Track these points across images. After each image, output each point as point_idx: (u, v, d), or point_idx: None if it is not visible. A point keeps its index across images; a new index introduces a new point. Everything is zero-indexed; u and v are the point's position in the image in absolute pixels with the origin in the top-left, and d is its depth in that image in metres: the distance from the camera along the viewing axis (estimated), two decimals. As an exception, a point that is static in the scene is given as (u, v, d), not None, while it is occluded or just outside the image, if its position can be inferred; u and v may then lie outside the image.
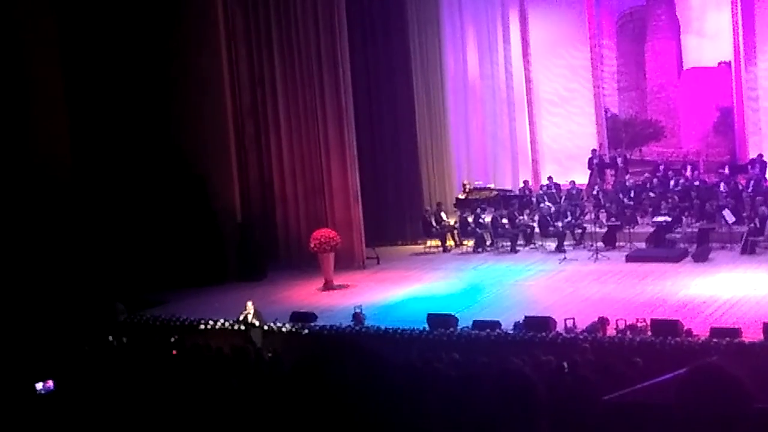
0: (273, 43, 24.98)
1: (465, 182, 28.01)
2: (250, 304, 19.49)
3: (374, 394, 3.04)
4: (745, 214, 24.03)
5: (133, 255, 23.37)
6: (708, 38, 28.18)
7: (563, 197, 26.61)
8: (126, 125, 24.05)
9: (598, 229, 24.53)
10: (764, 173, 25.82)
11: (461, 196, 27.57)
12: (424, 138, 27.79)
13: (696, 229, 23.84)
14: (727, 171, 26.46)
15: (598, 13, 29.17)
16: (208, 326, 20.19)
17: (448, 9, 29.17)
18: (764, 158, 26.18)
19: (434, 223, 26.16)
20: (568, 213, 25.35)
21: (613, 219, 24.96)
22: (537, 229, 25.44)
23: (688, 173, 26.83)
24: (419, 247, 26.27)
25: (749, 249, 22.78)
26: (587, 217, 25.68)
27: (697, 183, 25.94)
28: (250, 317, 19.30)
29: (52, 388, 10.97)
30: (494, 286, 22.06)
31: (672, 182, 26.36)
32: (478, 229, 25.66)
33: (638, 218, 25.25)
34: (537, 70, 29.69)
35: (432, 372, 11.79)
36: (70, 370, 13.73)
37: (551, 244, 24.84)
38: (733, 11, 27.30)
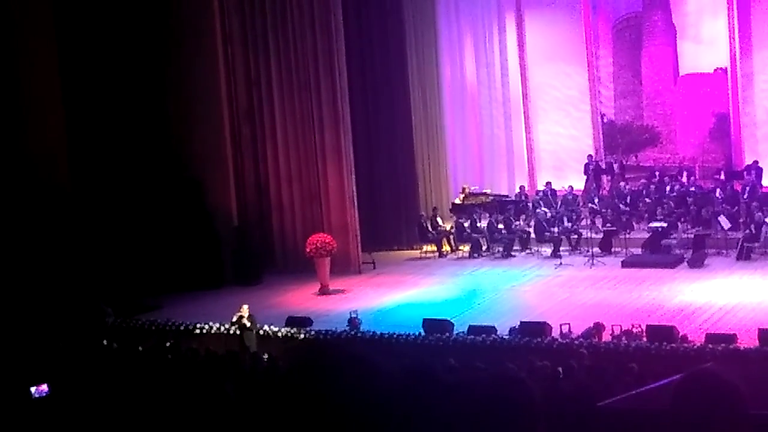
0: (269, 47, 24.98)
1: (464, 186, 27.98)
2: (245, 307, 19.48)
3: (368, 401, 3.03)
4: (740, 220, 24.06)
5: (129, 259, 23.34)
6: (704, 44, 28.18)
7: (559, 203, 26.62)
8: (122, 128, 24.04)
9: (594, 235, 24.54)
10: (760, 179, 25.85)
11: (457, 202, 27.58)
12: (421, 143, 27.80)
13: (692, 235, 23.86)
14: (723, 177, 26.47)
15: (595, 20, 29.17)
16: (204, 331, 20.19)
17: (445, 13, 29.20)
18: (760, 164, 26.20)
19: (430, 229, 26.16)
20: (564, 218, 25.35)
21: (609, 225, 24.96)
22: (533, 235, 25.45)
23: (684, 179, 26.85)
24: (415, 252, 26.26)
25: (745, 255, 22.80)
26: (583, 223, 25.69)
27: (693, 189, 25.96)
28: (243, 320, 19.27)
29: (46, 392, 10.94)
30: (490, 291, 22.06)
31: (668, 188, 26.37)
32: (474, 235, 25.65)
33: (634, 224, 25.26)
34: (533, 76, 29.69)
35: (427, 377, 11.78)
36: (65, 374, 13.71)
37: (547, 250, 24.84)
38: (729, 17, 27.31)
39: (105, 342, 18.32)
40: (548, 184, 27.59)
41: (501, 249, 25.24)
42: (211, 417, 4.56)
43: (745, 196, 24.90)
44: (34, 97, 22.74)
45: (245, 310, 19.40)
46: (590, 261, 23.58)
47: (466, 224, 25.93)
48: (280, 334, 19.43)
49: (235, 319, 19.42)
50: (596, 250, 24.03)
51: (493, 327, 18.37)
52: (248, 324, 19.25)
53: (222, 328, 20.04)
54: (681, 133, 28.84)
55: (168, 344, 18.28)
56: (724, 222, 23.48)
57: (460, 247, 25.98)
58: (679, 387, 3.80)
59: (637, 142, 29.37)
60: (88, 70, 23.58)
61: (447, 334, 18.40)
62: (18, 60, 22.63)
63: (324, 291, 22.84)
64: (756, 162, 26.31)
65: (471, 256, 25.43)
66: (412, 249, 26.49)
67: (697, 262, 22.63)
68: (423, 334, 18.56)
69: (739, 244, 23.03)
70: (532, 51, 29.62)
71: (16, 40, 22.65)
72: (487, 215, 26.37)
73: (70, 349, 17.01)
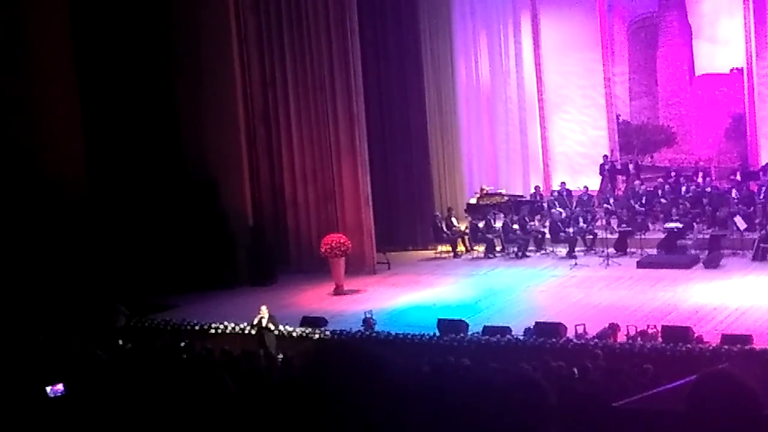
0: (285, 47, 25.00)
1: (482, 186, 27.92)
2: (264, 308, 19.47)
3: (381, 401, 3.03)
4: (756, 221, 23.99)
5: (144, 260, 23.39)
6: (720, 44, 28.12)
7: (575, 203, 26.58)
8: (137, 130, 24.08)
9: (609, 235, 24.49)
10: (776, 180, 25.76)
11: (472, 202, 27.55)
12: (435, 143, 27.78)
13: (707, 236, 23.79)
14: (738, 177, 26.40)
15: (610, 19, 29.13)
16: (219, 330, 20.20)
17: (460, 13, 29.18)
18: (776, 165, 26.15)
19: (445, 229, 26.13)
20: (580, 219, 25.31)
21: (624, 225, 24.92)
22: (548, 235, 25.41)
23: (700, 179, 26.78)
24: (430, 253, 26.23)
25: (761, 256, 22.73)
26: (598, 223, 25.64)
27: (708, 189, 25.90)
28: (264, 321, 19.28)
29: (62, 391, 10.96)
30: (505, 291, 22.02)
31: (683, 188, 26.31)
32: (488, 235, 25.62)
33: (649, 224, 25.21)
34: (548, 76, 29.66)
35: (441, 377, 11.78)
36: (81, 373, 13.73)
37: (562, 250, 24.80)
38: (745, 17, 27.24)
39: (120, 342, 18.34)
40: (563, 184, 27.55)
41: (516, 249, 25.20)
42: (219, 415, 4.56)
43: (761, 197, 24.83)
44: (51, 97, 22.82)
45: (265, 312, 19.38)
46: (605, 261, 23.53)
47: (480, 224, 25.90)
48: (294, 334, 19.44)
49: (255, 321, 19.40)
50: (611, 250, 23.98)
51: (508, 327, 18.35)
52: (271, 326, 19.24)
53: (237, 328, 20.05)
54: (697, 134, 28.78)
55: (182, 344, 18.29)
56: (740, 223, 23.41)
57: (475, 248, 25.95)
58: (695, 388, 3.80)
59: (652, 143, 29.32)
60: (103, 72, 23.63)
61: (462, 334, 18.38)
62: (34, 64, 22.70)
63: (339, 291, 22.84)
64: (772, 162, 26.25)
65: (486, 256, 25.40)
66: (427, 249, 26.47)
67: (712, 263, 22.57)
68: (438, 334, 18.55)
69: (755, 244, 22.96)
70: (547, 51, 29.58)
71: (32, 45, 22.73)
72: (502, 215, 26.34)
73: (86, 349, 17.04)
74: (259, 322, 19.30)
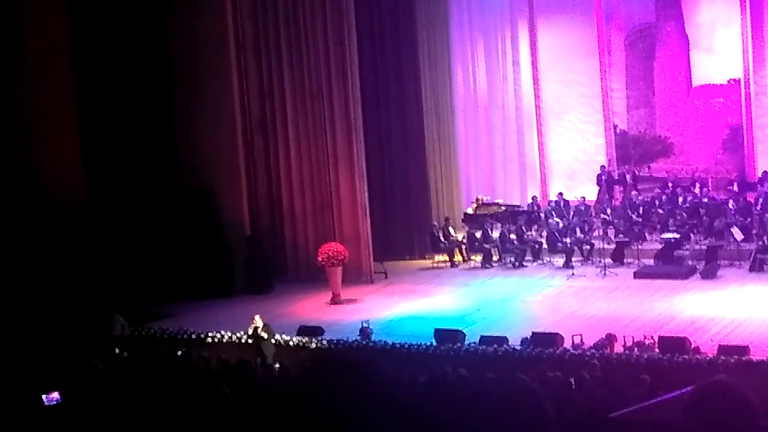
0: (282, 56, 25.01)
1: (479, 197, 27.92)
2: (258, 317, 19.47)
3: (378, 411, 3.03)
4: (753, 232, 23.98)
5: (141, 269, 23.36)
6: (718, 55, 28.11)
7: (572, 213, 26.57)
8: (135, 139, 24.08)
9: (606, 246, 24.49)
10: (773, 190, 25.75)
11: (469, 211, 27.54)
12: (433, 152, 27.77)
13: (704, 246, 23.80)
14: (736, 188, 26.39)
15: (608, 29, 29.12)
16: (216, 339, 20.18)
17: (458, 22, 29.19)
18: (773, 176, 26.11)
19: (442, 238, 26.13)
20: (577, 229, 25.30)
21: (621, 235, 24.92)
22: (545, 245, 25.40)
23: (697, 190, 26.76)
24: (427, 262, 26.22)
25: (758, 266, 22.73)
26: (595, 234, 25.63)
27: (705, 200, 25.88)
28: (259, 330, 19.27)
29: (58, 399, 10.93)
30: (502, 301, 22.02)
31: (680, 199, 26.29)
32: (485, 245, 25.62)
33: (646, 235, 25.20)
34: (546, 86, 29.63)
35: (438, 387, 11.76)
36: (77, 382, 13.70)
37: (559, 260, 24.79)
38: (742, 28, 27.25)
39: (117, 350, 18.32)
40: (560, 194, 27.51)
41: (513, 259, 25.20)
42: (216, 424, 4.55)
43: (758, 208, 24.82)
44: (48, 107, 22.82)
45: (259, 321, 19.38)
46: (602, 272, 23.53)
47: (478, 234, 25.90)
48: (291, 344, 19.42)
49: (251, 331, 19.40)
50: (608, 260, 23.97)
51: (505, 337, 18.34)
52: (265, 335, 19.23)
53: (234, 337, 20.04)
54: (694, 144, 28.77)
55: (179, 353, 18.26)
56: (737, 233, 23.42)
57: (472, 258, 25.95)
58: (692, 399, 3.80)
59: (649, 153, 29.31)
60: (101, 81, 23.62)
61: (458, 344, 18.37)
62: (31, 74, 22.71)
63: (336, 300, 22.83)
64: (768, 173, 26.23)
65: (483, 266, 25.39)
66: (424, 259, 26.46)
67: (709, 274, 22.57)
68: (435, 344, 18.54)
69: (752, 255, 22.96)
70: (544, 61, 29.57)
71: (30, 54, 22.74)
72: (499, 225, 26.33)
73: (82, 358, 17.01)
74: (255, 331, 19.29)
